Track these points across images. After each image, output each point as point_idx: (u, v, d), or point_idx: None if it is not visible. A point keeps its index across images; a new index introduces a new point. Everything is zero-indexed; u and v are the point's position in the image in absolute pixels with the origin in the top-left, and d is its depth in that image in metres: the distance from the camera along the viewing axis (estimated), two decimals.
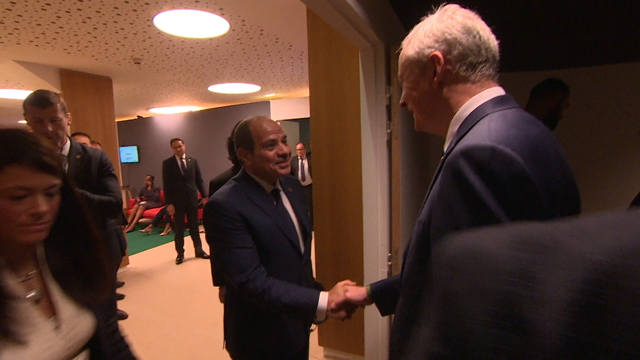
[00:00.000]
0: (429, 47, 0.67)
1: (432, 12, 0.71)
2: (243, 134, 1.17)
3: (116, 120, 9.17)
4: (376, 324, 1.79)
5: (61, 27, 2.82)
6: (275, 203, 1.22)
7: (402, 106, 0.79)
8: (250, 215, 1.11)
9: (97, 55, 3.59)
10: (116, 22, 2.73)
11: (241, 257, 1.07)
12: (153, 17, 2.67)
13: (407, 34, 0.75)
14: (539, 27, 2.25)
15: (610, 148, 2.85)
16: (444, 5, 0.70)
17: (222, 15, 2.68)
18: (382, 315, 1.08)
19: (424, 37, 0.68)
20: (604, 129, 2.85)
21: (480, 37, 0.65)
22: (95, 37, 3.08)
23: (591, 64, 3.23)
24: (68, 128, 1.68)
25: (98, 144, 3.34)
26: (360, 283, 1.84)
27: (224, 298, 1.30)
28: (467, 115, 0.65)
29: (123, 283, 3.99)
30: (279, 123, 1.29)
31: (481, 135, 0.55)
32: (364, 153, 1.76)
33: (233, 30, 3.01)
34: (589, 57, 3.05)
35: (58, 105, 1.55)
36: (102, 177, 1.75)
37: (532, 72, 3.39)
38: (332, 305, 1.04)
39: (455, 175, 0.54)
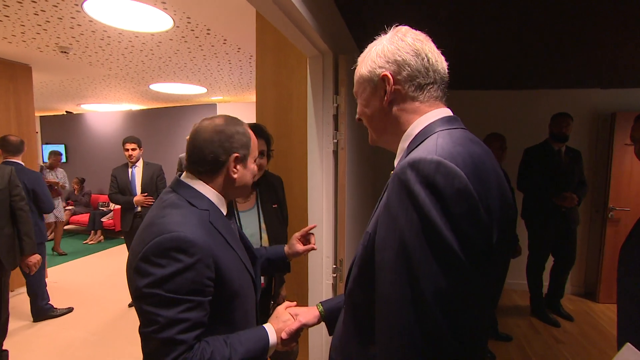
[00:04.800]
0: (380, 67, 0.69)
1: (385, 32, 0.73)
2: (245, 138, 0.90)
3: (39, 114, 8.20)
4: (320, 337, 1.75)
5: None
6: (232, 227, 0.98)
7: (358, 121, 0.81)
8: (220, 252, 0.83)
9: (11, 38, 3.14)
10: (35, 1, 2.41)
11: (184, 329, 0.75)
12: (82, 3, 2.41)
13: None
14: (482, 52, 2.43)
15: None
16: (396, 26, 0.72)
17: (164, 10, 2.50)
18: (330, 334, 1.02)
19: (375, 57, 0.71)
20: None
21: (428, 60, 0.67)
22: (8, 17, 2.68)
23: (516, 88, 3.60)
24: None
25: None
26: (304, 295, 1.80)
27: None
28: (417, 132, 0.67)
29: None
30: None
31: (428, 149, 0.57)
32: (310, 162, 1.73)
33: (177, 27, 2.83)
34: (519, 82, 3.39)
35: None
36: None
37: (475, 91, 3.69)
38: (284, 335, 0.91)
39: (402, 185, 0.56)
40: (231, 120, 0.91)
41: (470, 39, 2.17)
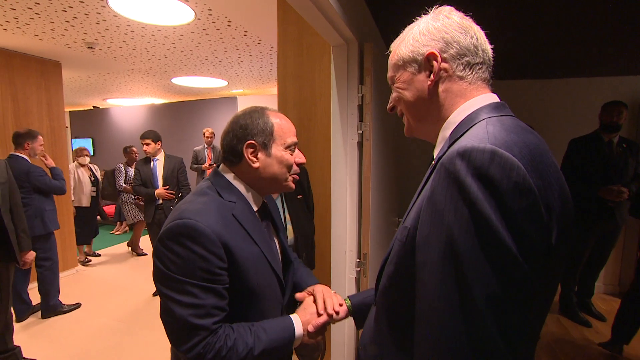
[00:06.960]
0: (425, 45, 0.65)
1: (426, 13, 0.69)
2: (263, 123, 0.86)
3: (68, 109, 8.49)
4: (343, 336, 1.73)
5: None
6: (261, 223, 0.94)
7: (390, 111, 0.75)
8: (238, 244, 0.80)
9: (42, 35, 3.24)
10: None
11: (200, 315, 0.74)
12: None
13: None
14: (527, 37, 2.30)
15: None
16: (438, 7, 0.68)
17: (186, 2, 2.50)
18: (358, 328, 1.00)
19: (419, 35, 0.66)
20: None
21: (477, 38, 0.64)
22: (38, 14, 2.76)
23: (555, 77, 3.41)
24: None
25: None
26: None
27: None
28: (462, 119, 0.62)
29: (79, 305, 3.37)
30: None
31: (479, 137, 0.52)
32: (333, 154, 1.69)
33: (199, 19, 2.83)
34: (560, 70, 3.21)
35: None
36: None
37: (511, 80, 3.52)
38: (310, 328, 0.88)
39: (450, 177, 0.50)
40: (252, 109, 0.90)
41: (505, 25, 2.06)
